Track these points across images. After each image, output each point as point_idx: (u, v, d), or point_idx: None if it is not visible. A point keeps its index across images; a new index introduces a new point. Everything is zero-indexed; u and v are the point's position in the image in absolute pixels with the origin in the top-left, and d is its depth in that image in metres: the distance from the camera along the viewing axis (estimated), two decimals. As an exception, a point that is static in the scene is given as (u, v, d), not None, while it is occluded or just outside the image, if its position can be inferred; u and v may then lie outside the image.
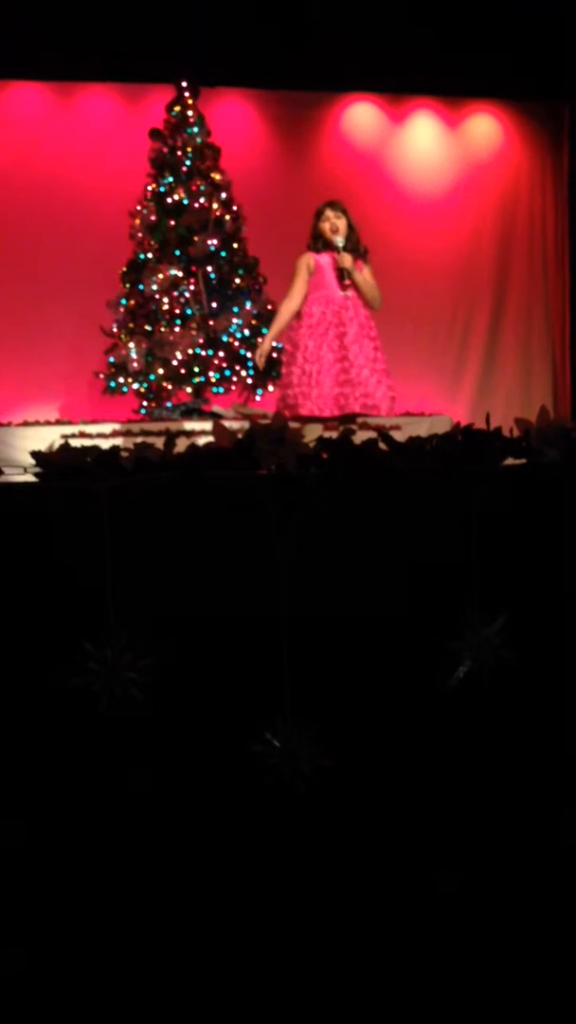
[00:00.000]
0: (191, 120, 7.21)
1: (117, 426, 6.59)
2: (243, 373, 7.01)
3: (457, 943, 1.86)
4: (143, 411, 7.03)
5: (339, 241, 4.61)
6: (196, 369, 6.92)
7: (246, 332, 6.99)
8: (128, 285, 7.06)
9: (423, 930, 1.86)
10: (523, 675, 1.89)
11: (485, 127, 8.58)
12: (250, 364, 6.87)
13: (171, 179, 7.11)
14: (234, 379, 7.07)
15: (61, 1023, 1.75)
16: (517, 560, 1.93)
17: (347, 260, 4.60)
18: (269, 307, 6.88)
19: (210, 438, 1.89)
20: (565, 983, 1.87)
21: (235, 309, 7.02)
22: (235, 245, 7.13)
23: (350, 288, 4.62)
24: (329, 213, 4.66)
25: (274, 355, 5.94)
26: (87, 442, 5.77)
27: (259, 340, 5.41)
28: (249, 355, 6.75)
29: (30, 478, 1.83)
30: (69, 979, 1.75)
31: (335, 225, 4.64)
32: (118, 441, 6.20)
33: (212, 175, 7.18)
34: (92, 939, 1.77)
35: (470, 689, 1.85)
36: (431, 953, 1.85)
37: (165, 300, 6.93)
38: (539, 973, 1.88)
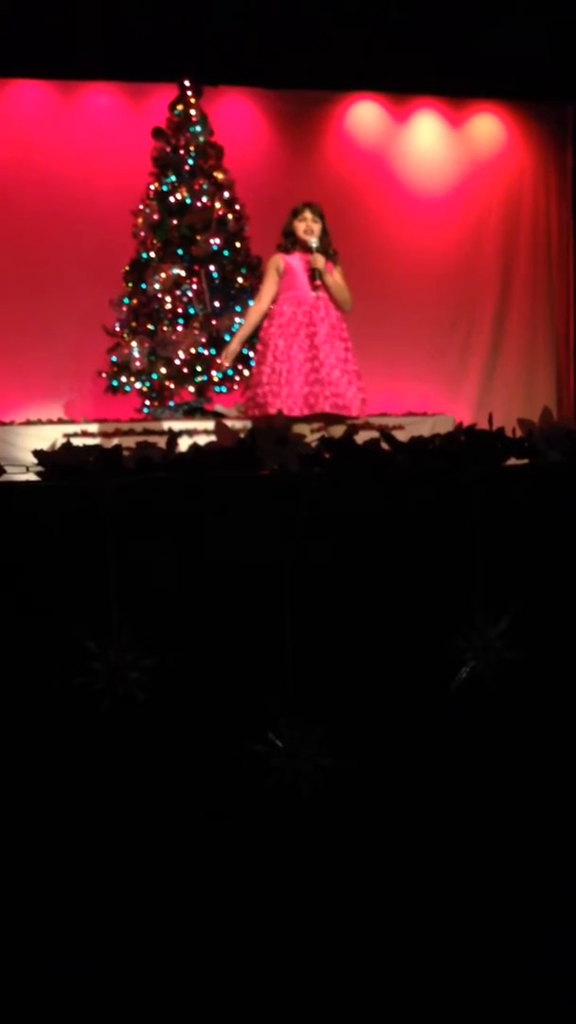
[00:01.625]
0: (194, 119, 7.20)
1: (119, 425, 6.59)
2: (245, 372, 7.01)
3: (464, 944, 1.86)
4: (145, 410, 7.03)
5: (312, 242, 4.62)
6: (199, 368, 6.92)
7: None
8: (131, 284, 7.06)
9: (428, 930, 1.86)
10: (527, 675, 1.89)
11: (488, 126, 8.57)
12: (252, 364, 6.87)
13: (174, 178, 7.11)
14: (236, 378, 7.07)
15: (62, 1022, 1.75)
16: (520, 561, 1.92)
17: (319, 261, 4.61)
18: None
19: (212, 438, 1.89)
20: None
21: (237, 308, 7.02)
22: (238, 244, 7.13)
23: (321, 289, 4.63)
24: (308, 214, 4.67)
25: (250, 354, 5.95)
26: (89, 441, 5.78)
27: (257, 340, 5.40)
28: (251, 355, 6.75)
29: (32, 477, 1.83)
30: (70, 978, 1.75)
31: (310, 227, 4.65)
32: (120, 440, 6.20)
33: (215, 174, 7.18)
34: (94, 939, 1.77)
35: (474, 690, 1.85)
36: (433, 953, 1.85)
37: (168, 299, 6.93)
38: (550, 970, 1.88)
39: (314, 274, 4.60)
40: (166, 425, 6.49)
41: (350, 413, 4.61)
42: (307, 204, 4.72)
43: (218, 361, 6.90)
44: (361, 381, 4.66)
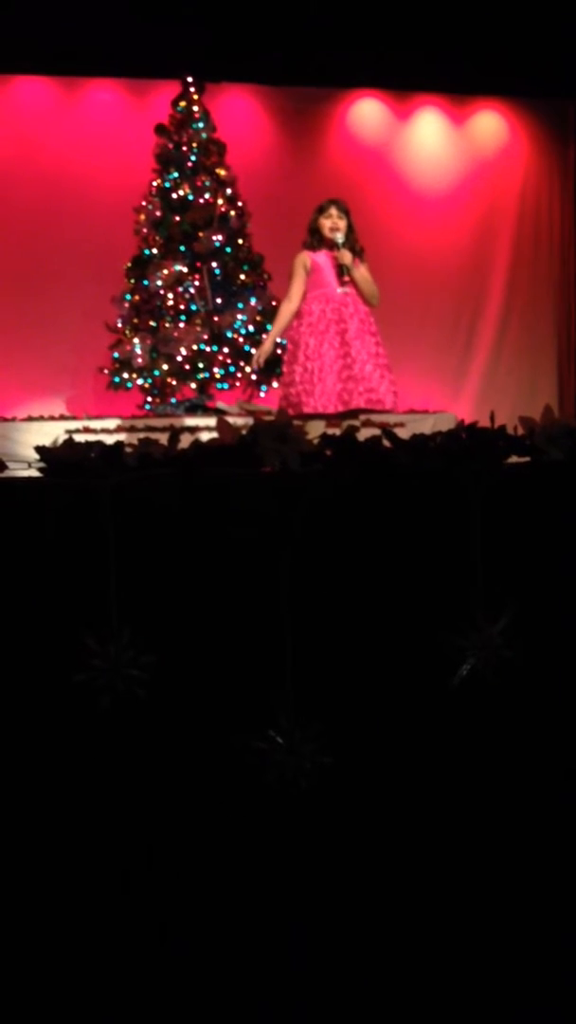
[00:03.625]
0: (196, 116, 7.20)
1: (121, 422, 6.59)
2: (247, 369, 7.00)
3: (461, 941, 1.87)
4: (147, 407, 7.03)
5: (339, 237, 4.60)
6: (200, 365, 6.92)
7: (251, 328, 6.99)
8: (133, 281, 7.06)
9: (426, 929, 1.86)
10: (527, 674, 1.89)
11: (491, 124, 8.56)
12: (251, 359, 6.87)
13: (176, 175, 7.11)
14: (238, 375, 7.07)
15: (62, 1022, 1.75)
16: (521, 559, 1.93)
17: (347, 257, 4.59)
18: (274, 303, 6.86)
19: (214, 434, 1.89)
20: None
21: (240, 305, 7.02)
22: (240, 241, 7.13)
23: (349, 285, 4.61)
24: (333, 211, 4.65)
25: (279, 352, 5.94)
26: (91, 437, 5.76)
27: (264, 336, 5.40)
28: (254, 351, 6.75)
29: (34, 473, 1.83)
30: (69, 977, 1.76)
31: (336, 224, 4.62)
32: (122, 437, 6.20)
33: (217, 171, 7.18)
34: (92, 936, 1.77)
35: (473, 687, 1.85)
36: (434, 952, 1.85)
37: (170, 296, 6.93)
38: (545, 967, 1.88)
39: (342, 270, 4.59)
40: (168, 422, 6.49)
41: (384, 407, 4.61)
42: (332, 201, 4.70)
43: (220, 359, 6.90)
44: (392, 374, 4.66)
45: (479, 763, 1.90)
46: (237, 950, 1.80)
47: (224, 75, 7.60)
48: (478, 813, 1.90)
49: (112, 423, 6.54)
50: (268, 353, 5.00)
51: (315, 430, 4.12)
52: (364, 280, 4.65)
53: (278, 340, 5.17)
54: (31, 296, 7.50)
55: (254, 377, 7.05)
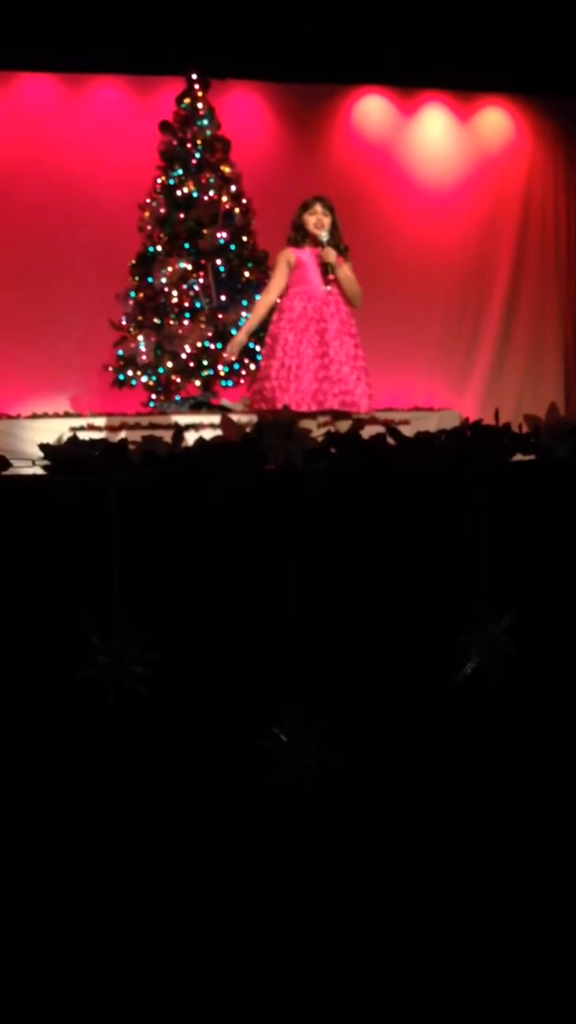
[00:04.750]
0: (201, 112, 7.20)
1: (126, 419, 6.59)
2: (252, 367, 7.00)
3: (466, 942, 1.86)
4: (152, 404, 7.03)
5: (323, 236, 4.58)
6: (205, 363, 6.92)
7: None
8: (137, 278, 7.06)
9: (431, 928, 1.86)
10: (531, 671, 1.89)
11: (496, 121, 8.55)
12: (259, 357, 6.86)
13: (181, 172, 7.11)
14: (243, 373, 7.07)
15: (63, 1022, 1.75)
16: (525, 557, 1.92)
17: (331, 255, 4.57)
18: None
19: (218, 432, 1.89)
20: None
21: (244, 303, 7.02)
22: (244, 238, 7.12)
23: (333, 283, 4.60)
24: (318, 208, 4.62)
25: (257, 348, 5.94)
26: (95, 435, 5.78)
27: (236, 332, 5.38)
28: (258, 348, 6.75)
29: (38, 471, 1.83)
30: (71, 976, 1.76)
31: (321, 221, 4.60)
32: (126, 434, 6.20)
33: (222, 168, 7.17)
34: (94, 935, 1.77)
35: (478, 685, 1.85)
36: (436, 952, 1.85)
37: (174, 293, 6.93)
38: (545, 970, 1.88)
39: (326, 268, 4.57)
40: (172, 419, 6.49)
41: (358, 410, 4.58)
42: (317, 198, 4.68)
43: (223, 354, 6.90)
44: (369, 377, 4.64)
45: (483, 761, 1.89)
46: (239, 949, 1.80)
47: (229, 72, 7.59)
48: (482, 811, 1.89)
49: (116, 420, 6.54)
50: (241, 345, 5.00)
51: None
52: (347, 279, 4.63)
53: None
54: (35, 293, 7.50)
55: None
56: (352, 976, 1.82)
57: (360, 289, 4.70)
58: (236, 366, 7.00)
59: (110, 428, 6.39)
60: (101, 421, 6.52)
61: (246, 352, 6.97)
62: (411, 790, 1.87)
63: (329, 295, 4.59)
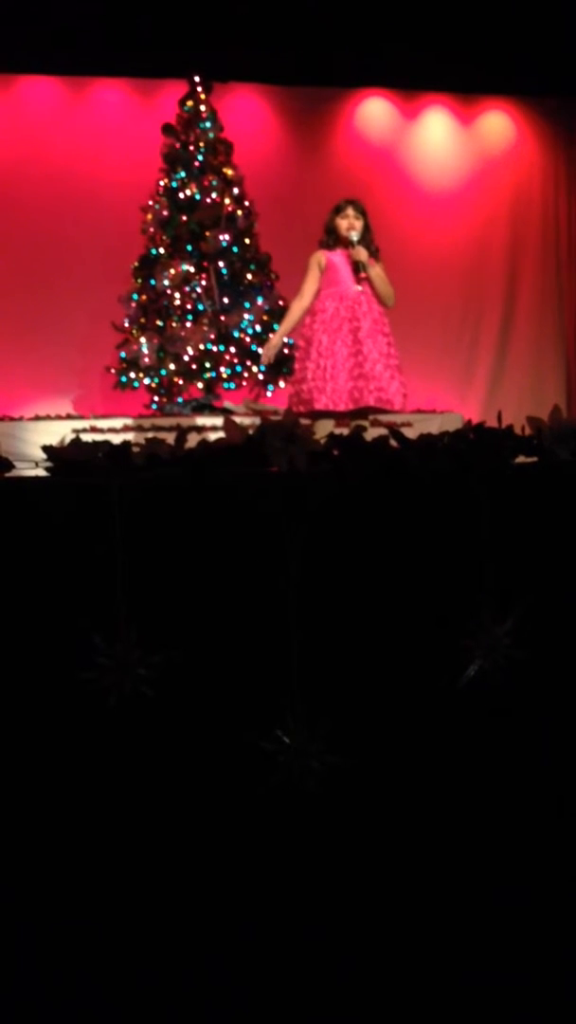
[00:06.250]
0: (204, 115, 7.20)
1: (128, 421, 6.60)
2: (254, 369, 7.01)
3: (469, 942, 1.86)
4: (154, 406, 7.04)
5: (354, 235, 4.60)
6: (207, 365, 6.92)
7: (258, 328, 6.99)
8: (140, 280, 7.06)
9: (434, 928, 1.86)
10: (534, 674, 1.89)
11: (498, 123, 8.55)
12: (259, 358, 6.86)
13: (183, 174, 7.11)
14: (245, 375, 7.07)
15: (64, 1021, 1.75)
16: (528, 559, 1.92)
17: (362, 254, 4.58)
18: (281, 303, 6.87)
19: (221, 434, 1.89)
20: None
21: (247, 305, 7.02)
22: (247, 241, 7.13)
23: (365, 282, 4.61)
24: (350, 211, 4.64)
25: (286, 351, 5.93)
26: (98, 437, 5.78)
27: (270, 336, 5.39)
28: (261, 351, 6.74)
29: (41, 473, 1.83)
30: (73, 975, 1.76)
31: (353, 224, 4.62)
32: (129, 436, 6.21)
33: (224, 170, 7.18)
34: (97, 935, 1.77)
35: (481, 688, 1.85)
36: (437, 952, 1.85)
37: (177, 296, 6.93)
38: (548, 967, 1.87)
39: (357, 267, 4.58)
40: (174, 421, 6.49)
41: (393, 407, 4.61)
42: (349, 201, 4.69)
43: (226, 358, 6.90)
44: (403, 375, 4.66)
45: (486, 764, 1.89)
46: (241, 949, 1.80)
47: (231, 74, 7.60)
48: (485, 813, 1.89)
49: (119, 422, 6.55)
50: (276, 349, 4.97)
51: (323, 429, 4.11)
52: (380, 279, 4.64)
53: (285, 339, 5.16)
54: (38, 296, 7.51)
55: (261, 377, 7.05)
56: (352, 973, 1.82)
57: (392, 290, 4.71)
58: (239, 368, 7.00)
59: (112, 430, 6.39)
60: (104, 423, 6.52)
61: (248, 355, 6.98)
62: (414, 792, 1.87)
63: (361, 294, 4.60)
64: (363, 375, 4.52)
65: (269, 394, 7.15)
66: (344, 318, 4.59)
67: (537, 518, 1.94)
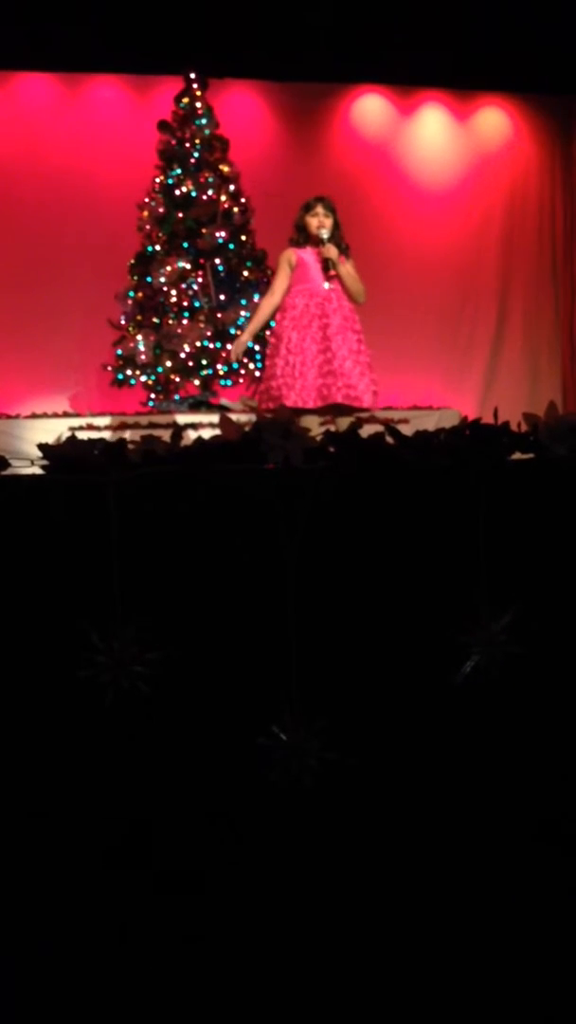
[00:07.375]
0: (200, 112, 7.19)
1: (125, 419, 6.60)
2: (251, 366, 7.00)
3: (468, 942, 1.87)
4: (151, 404, 7.03)
5: (324, 233, 4.61)
6: (204, 362, 6.92)
7: (254, 325, 6.98)
8: (136, 277, 7.06)
9: (431, 925, 1.86)
10: (531, 670, 1.89)
11: (494, 120, 8.56)
12: (258, 357, 6.86)
13: (179, 171, 7.11)
14: (242, 372, 7.07)
15: (63, 1021, 1.75)
16: (525, 555, 1.92)
17: (332, 251, 4.59)
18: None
19: (217, 431, 1.89)
20: None
21: (243, 302, 7.02)
22: (243, 238, 7.12)
23: (334, 280, 4.62)
24: (320, 208, 4.65)
25: (256, 348, 5.94)
26: (94, 434, 5.77)
27: (267, 334, 5.39)
28: (257, 348, 6.74)
29: (37, 470, 1.83)
30: (71, 974, 1.76)
31: (322, 222, 4.63)
32: (125, 434, 6.20)
33: (220, 167, 7.17)
34: (94, 933, 1.77)
35: (478, 684, 1.85)
36: (438, 951, 1.85)
37: (173, 293, 6.93)
38: (545, 963, 1.88)
39: (327, 264, 4.59)
40: (171, 418, 6.49)
41: (362, 404, 4.60)
42: (319, 198, 4.70)
43: (223, 355, 6.90)
44: (373, 373, 4.66)
45: (483, 760, 1.90)
46: (241, 948, 1.80)
47: (227, 71, 7.60)
48: (482, 809, 1.89)
49: (115, 420, 6.55)
50: (243, 346, 5.02)
51: (306, 426, 4.10)
52: (350, 276, 4.65)
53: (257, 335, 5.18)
54: (34, 293, 7.51)
55: (257, 374, 7.04)
56: (351, 971, 1.82)
57: (363, 286, 4.72)
58: (235, 366, 6.99)
59: (109, 428, 6.39)
60: (100, 421, 6.52)
61: (247, 352, 6.97)
62: (411, 789, 1.87)
63: (331, 291, 4.61)
64: (332, 372, 4.53)
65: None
66: (314, 315, 4.60)
67: (534, 514, 1.94)
